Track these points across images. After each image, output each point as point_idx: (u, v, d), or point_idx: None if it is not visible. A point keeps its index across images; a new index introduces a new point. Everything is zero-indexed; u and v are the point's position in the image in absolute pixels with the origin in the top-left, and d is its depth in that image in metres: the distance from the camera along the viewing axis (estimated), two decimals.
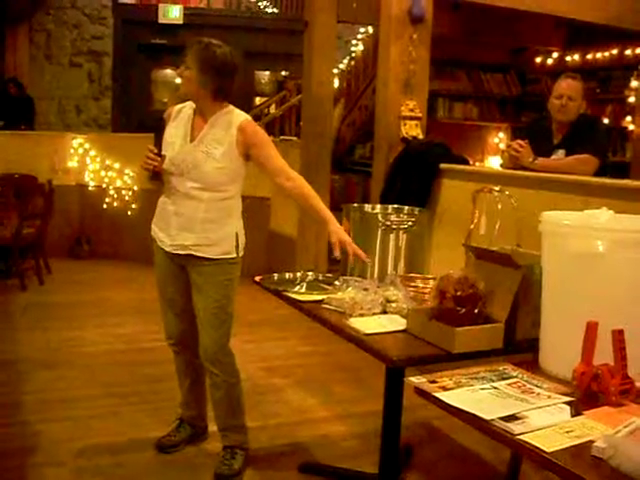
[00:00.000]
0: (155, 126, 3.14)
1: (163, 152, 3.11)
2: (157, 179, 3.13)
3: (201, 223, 3.10)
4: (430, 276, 2.96)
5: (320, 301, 2.82)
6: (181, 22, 10.50)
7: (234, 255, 3.16)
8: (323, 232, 6.40)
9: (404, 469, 3.32)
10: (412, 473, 3.34)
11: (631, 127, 7.02)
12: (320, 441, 3.63)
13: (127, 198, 8.07)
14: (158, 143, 3.11)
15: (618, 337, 1.95)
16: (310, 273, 3.19)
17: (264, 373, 4.48)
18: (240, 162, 3.13)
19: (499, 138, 8.30)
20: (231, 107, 3.16)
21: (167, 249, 3.19)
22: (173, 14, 10.51)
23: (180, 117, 3.20)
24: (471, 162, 7.28)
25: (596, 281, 2.06)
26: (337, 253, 2.99)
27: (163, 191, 3.20)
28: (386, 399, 2.91)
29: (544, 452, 1.63)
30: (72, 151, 8.30)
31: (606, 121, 7.40)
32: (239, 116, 3.14)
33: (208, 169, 3.06)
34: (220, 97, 3.10)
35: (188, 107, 3.21)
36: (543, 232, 2.22)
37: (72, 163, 8.30)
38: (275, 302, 3.09)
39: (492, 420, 1.78)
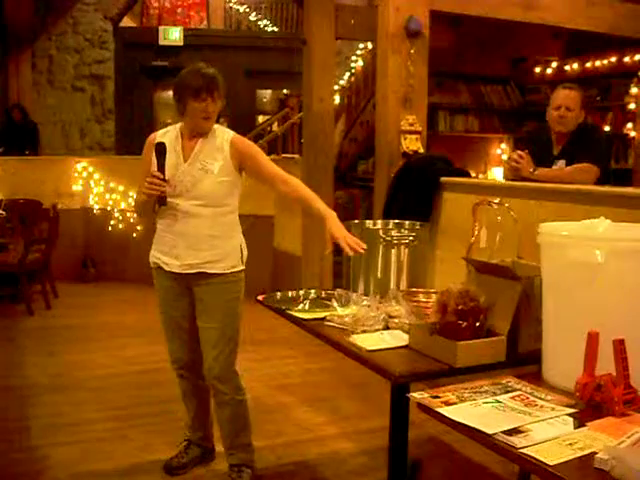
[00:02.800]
0: (158, 151, 3.12)
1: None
2: (165, 204, 3.11)
3: (208, 240, 3.13)
4: (432, 290, 2.95)
5: (323, 318, 2.81)
6: (181, 44, 10.58)
7: (241, 267, 3.22)
8: (328, 250, 6.42)
9: None
10: None
11: (632, 134, 7.02)
12: (328, 458, 3.62)
13: (132, 220, 8.09)
14: (162, 167, 3.10)
15: (619, 347, 1.94)
16: (313, 291, 3.19)
17: (270, 391, 4.47)
18: (236, 175, 3.18)
19: (501, 149, 8.30)
20: (217, 125, 3.24)
21: (175, 270, 3.18)
22: (173, 36, 10.58)
23: (167, 141, 3.18)
24: (473, 174, 7.31)
25: (596, 291, 2.05)
26: (328, 251, 3.05)
27: (159, 216, 3.21)
28: (392, 415, 2.90)
29: (547, 465, 1.62)
30: (76, 175, 8.36)
31: (607, 129, 7.40)
32: (227, 132, 3.22)
33: (208, 184, 3.10)
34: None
35: (172, 130, 3.25)
36: (542, 243, 2.22)
37: (76, 187, 8.35)
38: (280, 320, 3.05)
39: (495, 434, 1.77)
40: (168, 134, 3.24)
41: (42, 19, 10.47)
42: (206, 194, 3.10)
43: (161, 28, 10.79)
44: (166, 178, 3.08)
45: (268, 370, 4.84)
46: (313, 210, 3.16)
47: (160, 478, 3.36)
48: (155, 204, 3.15)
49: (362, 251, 2.94)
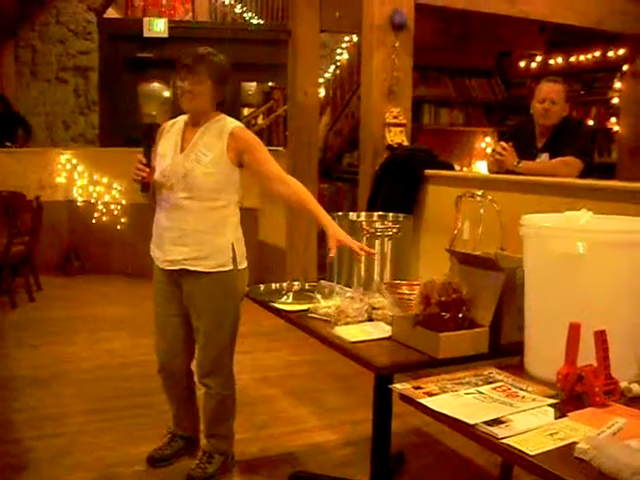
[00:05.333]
0: (144, 136, 3.06)
1: (156, 165, 3.06)
2: (147, 190, 3.05)
3: (193, 235, 3.02)
4: (415, 282, 2.95)
5: (306, 310, 2.82)
6: (166, 35, 10.49)
7: (230, 267, 3.07)
8: (312, 242, 6.43)
9: (396, 476, 3.32)
10: (404, 479, 3.34)
11: (616, 128, 7.06)
12: (312, 450, 3.62)
13: (116, 212, 8.06)
14: (147, 153, 3.03)
15: (601, 338, 1.96)
16: (296, 283, 3.19)
17: (256, 384, 4.47)
18: (231, 169, 3.05)
19: (486, 143, 8.32)
20: (223, 115, 3.12)
21: (161, 266, 3.13)
22: (158, 28, 10.49)
23: (172, 130, 3.15)
24: (458, 168, 7.33)
25: (577, 282, 2.06)
26: (332, 253, 2.94)
27: (157, 206, 3.15)
28: (375, 406, 2.91)
29: (527, 455, 1.63)
30: (60, 167, 8.30)
31: (591, 123, 7.43)
32: (231, 123, 3.09)
33: (197, 176, 2.99)
34: (217, 106, 3.08)
35: (180, 120, 3.17)
36: (524, 235, 2.23)
37: (60, 179, 8.29)
38: (265, 313, 3.05)
39: (476, 425, 1.78)
40: (176, 124, 3.18)
41: (25, 9, 10.37)
42: (194, 186, 2.99)
43: (145, 20, 10.69)
44: (152, 164, 3.02)
45: (252, 362, 4.83)
46: (312, 216, 3.10)
47: (144, 470, 3.35)
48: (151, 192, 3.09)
49: (374, 253, 3.02)
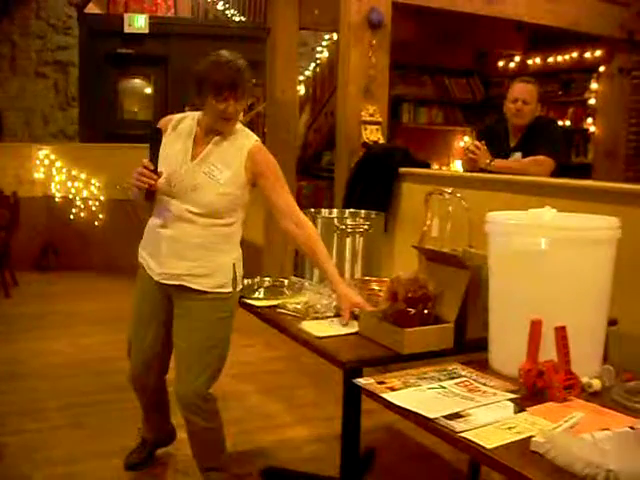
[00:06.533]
0: (150, 140, 2.74)
1: (159, 168, 2.74)
2: (151, 199, 2.80)
3: (194, 250, 2.77)
4: (385, 279, 2.98)
5: (276, 306, 2.84)
6: (147, 31, 10.46)
7: (229, 290, 2.83)
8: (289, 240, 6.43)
9: (367, 472, 3.34)
10: (374, 475, 3.35)
11: (592, 129, 7.12)
12: (283, 445, 3.64)
13: (94, 208, 8.04)
14: (154, 157, 2.72)
15: (561, 333, 1.99)
16: (267, 279, 3.19)
17: (228, 380, 4.43)
18: (246, 189, 2.82)
19: (464, 142, 8.37)
20: (239, 125, 2.83)
21: (156, 278, 2.84)
22: (138, 23, 10.46)
23: (180, 128, 2.85)
24: (437, 167, 7.37)
25: (540, 279, 2.09)
26: (346, 320, 2.61)
27: (153, 212, 2.87)
28: (344, 402, 2.92)
29: (484, 448, 1.65)
30: (38, 162, 8.26)
31: (568, 123, 7.50)
32: (250, 138, 2.83)
33: (209, 194, 2.73)
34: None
35: (189, 119, 2.87)
36: (489, 232, 2.25)
37: (38, 174, 8.25)
38: (240, 310, 3.00)
39: (435, 418, 1.80)
40: (184, 121, 2.87)
41: (5, 3, 10.30)
42: (205, 204, 2.73)
43: (126, 15, 10.65)
44: (159, 170, 2.72)
45: (228, 359, 4.81)
46: (321, 269, 2.82)
47: (117, 463, 3.33)
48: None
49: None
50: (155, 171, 2.70)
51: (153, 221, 2.87)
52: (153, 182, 2.70)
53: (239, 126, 2.83)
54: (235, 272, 2.85)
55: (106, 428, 3.75)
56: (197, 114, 2.84)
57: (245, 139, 2.81)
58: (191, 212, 2.74)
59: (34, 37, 10.60)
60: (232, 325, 2.92)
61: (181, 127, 2.85)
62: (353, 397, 2.83)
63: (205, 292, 2.79)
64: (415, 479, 3.39)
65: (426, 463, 3.49)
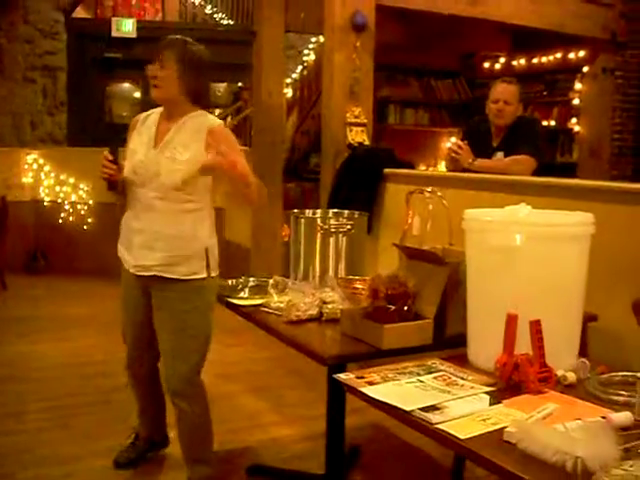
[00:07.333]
0: (114, 133, 2.97)
1: (126, 161, 2.90)
2: (114, 189, 2.92)
3: (164, 239, 2.84)
4: (368, 277, 3.01)
5: (260, 305, 2.87)
6: (134, 36, 10.50)
7: (204, 275, 2.89)
8: (277, 241, 6.46)
9: (352, 469, 3.37)
10: (360, 472, 3.39)
11: (577, 128, 7.18)
12: (269, 444, 3.67)
13: (83, 212, 8.06)
14: (115, 151, 2.87)
15: (535, 327, 2.03)
16: (252, 278, 3.23)
17: (215, 380, 4.45)
18: None
19: (450, 143, 8.41)
20: (202, 111, 2.94)
21: (131, 270, 2.93)
22: (126, 28, 10.51)
23: (146, 124, 2.98)
24: (424, 167, 7.42)
25: (515, 274, 2.13)
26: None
27: (128, 205, 2.96)
28: (328, 397, 2.97)
29: (458, 439, 1.69)
30: (26, 167, 8.29)
31: (553, 123, 7.57)
32: (212, 120, 2.93)
33: (171, 176, 2.80)
34: (195, 100, 2.89)
35: (155, 113, 2.99)
36: (466, 229, 2.30)
37: (27, 179, 8.28)
38: (227, 311, 3.05)
39: (412, 411, 1.83)
40: (150, 117, 3.00)
41: None
42: (167, 186, 2.80)
43: (114, 19, 10.71)
44: (121, 162, 2.87)
45: (213, 358, 4.79)
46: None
47: (103, 464, 3.35)
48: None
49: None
50: (115, 161, 2.85)
51: (126, 215, 2.97)
52: (112, 172, 2.84)
53: (202, 112, 2.93)
54: (208, 258, 2.90)
55: (93, 429, 3.77)
56: (162, 108, 2.97)
57: (206, 121, 2.90)
58: (156, 198, 2.83)
59: (22, 42, 10.61)
60: (211, 312, 2.99)
61: (148, 121, 2.98)
62: (337, 393, 2.88)
63: (179, 280, 2.86)
64: (400, 476, 3.42)
65: (411, 459, 3.53)
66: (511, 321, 2.06)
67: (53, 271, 8.00)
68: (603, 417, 1.76)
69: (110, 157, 2.84)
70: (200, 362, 3.01)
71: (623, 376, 2.06)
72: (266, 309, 2.81)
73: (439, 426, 1.76)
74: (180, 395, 2.98)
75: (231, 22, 12.85)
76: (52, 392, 4.32)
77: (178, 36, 2.93)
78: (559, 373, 2.08)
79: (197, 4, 12.95)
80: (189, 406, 2.99)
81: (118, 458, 3.35)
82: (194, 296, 2.90)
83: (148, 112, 3.05)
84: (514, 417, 1.78)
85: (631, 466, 1.45)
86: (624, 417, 1.77)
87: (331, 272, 3.22)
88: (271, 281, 3.02)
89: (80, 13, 11.31)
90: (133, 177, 2.87)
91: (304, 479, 3.30)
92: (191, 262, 2.87)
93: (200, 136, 2.83)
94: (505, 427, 1.71)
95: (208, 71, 2.96)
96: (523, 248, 2.09)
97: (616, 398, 1.92)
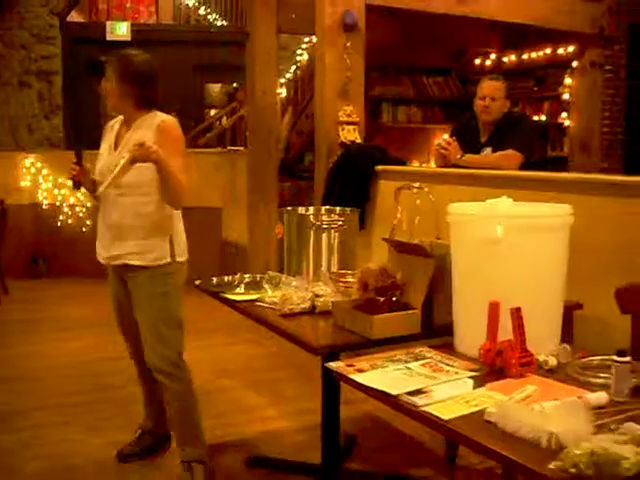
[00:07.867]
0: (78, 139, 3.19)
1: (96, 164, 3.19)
2: (77, 188, 3.25)
3: (130, 230, 3.09)
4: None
5: (255, 300, 2.96)
6: (129, 39, 10.57)
7: (169, 260, 3.12)
8: (273, 239, 6.55)
9: (347, 458, 3.46)
10: (355, 461, 3.47)
11: (567, 123, 7.27)
12: (267, 436, 3.76)
13: (81, 215, 8.14)
14: (79, 153, 3.18)
15: (516, 314, 2.12)
16: (247, 275, 3.32)
17: (215, 376, 4.59)
18: None
19: (441, 140, 8.50)
20: (157, 112, 3.15)
21: (103, 262, 3.23)
22: (121, 31, 10.59)
23: (111, 131, 3.25)
24: (416, 164, 7.51)
25: (497, 264, 2.23)
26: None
27: (99, 205, 3.25)
28: (323, 389, 3.06)
29: (441, 420, 1.78)
30: (24, 170, 8.36)
31: (543, 118, 7.66)
32: (158, 118, 3.12)
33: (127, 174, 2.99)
34: (144, 105, 3.12)
35: (119, 121, 3.25)
36: (451, 222, 2.39)
37: (25, 182, 8.36)
38: (225, 308, 3.13)
39: (399, 395, 1.93)
40: (115, 124, 3.26)
41: None
42: (126, 183, 3.01)
43: (108, 23, 10.79)
44: (84, 164, 3.16)
45: (212, 356, 4.95)
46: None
47: (107, 459, 3.44)
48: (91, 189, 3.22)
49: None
50: (79, 162, 3.16)
51: (99, 213, 3.25)
52: (74, 172, 3.14)
53: (155, 112, 3.15)
54: (172, 244, 3.14)
55: (95, 426, 3.85)
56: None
57: (156, 119, 3.11)
58: (117, 195, 3.07)
59: (17, 47, 10.70)
60: (180, 296, 3.20)
61: (113, 128, 3.25)
62: (331, 383, 2.97)
63: (146, 267, 3.10)
64: (395, 465, 3.50)
65: (406, 448, 3.62)
66: (493, 309, 2.15)
67: (53, 274, 8.09)
68: (579, 397, 1.85)
69: (74, 159, 3.16)
70: (177, 344, 3.19)
71: (601, 360, 2.14)
72: (261, 304, 2.90)
73: (424, 409, 1.85)
74: (163, 373, 3.16)
75: (225, 23, 12.92)
76: (56, 390, 4.41)
77: (127, 51, 3.17)
78: (541, 358, 2.18)
79: (191, 6, 13.02)
80: (172, 383, 3.17)
81: (122, 450, 3.48)
82: (160, 281, 3.13)
83: (115, 120, 3.30)
84: (495, 399, 1.88)
85: (601, 440, 1.54)
86: (599, 397, 1.87)
87: (324, 267, 3.31)
88: (266, 277, 3.11)
89: (74, 17, 11.38)
90: (99, 178, 3.14)
91: (302, 469, 3.38)
92: (156, 249, 3.11)
93: (151, 131, 3.07)
94: (486, 408, 1.80)
95: (151, 78, 3.16)
96: (504, 239, 2.19)
97: (594, 380, 2.02)
